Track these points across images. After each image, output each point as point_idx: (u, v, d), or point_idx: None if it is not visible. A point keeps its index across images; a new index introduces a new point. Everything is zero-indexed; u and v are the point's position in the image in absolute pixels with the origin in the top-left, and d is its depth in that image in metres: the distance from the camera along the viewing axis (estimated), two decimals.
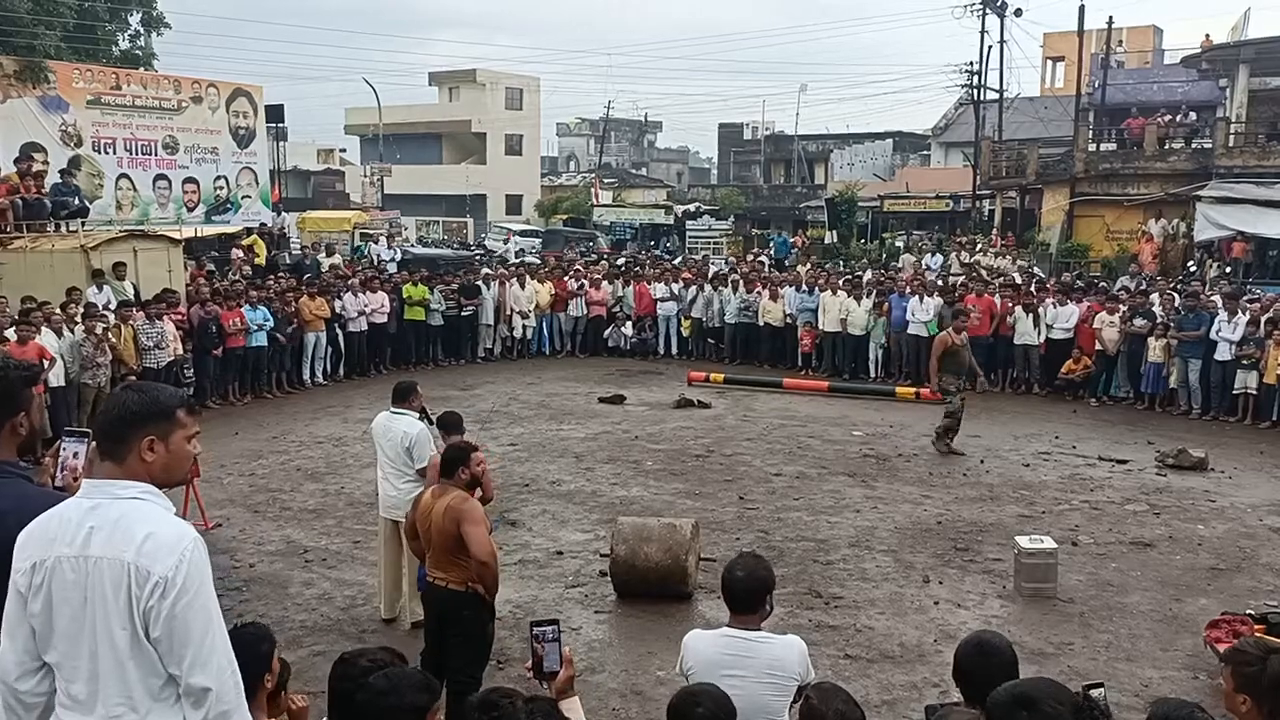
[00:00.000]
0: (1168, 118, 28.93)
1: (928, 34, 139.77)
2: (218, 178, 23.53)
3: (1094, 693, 3.18)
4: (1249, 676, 2.92)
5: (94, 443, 3.00)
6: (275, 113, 26.30)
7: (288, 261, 21.87)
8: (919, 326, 16.86)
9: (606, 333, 19.98)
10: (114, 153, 21.12)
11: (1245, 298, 15.78)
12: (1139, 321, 15.41)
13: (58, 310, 12.66)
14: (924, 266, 25.37)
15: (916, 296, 17.11)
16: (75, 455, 3.00)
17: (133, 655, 2.51)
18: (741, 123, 58.40)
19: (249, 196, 24.43)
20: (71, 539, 2.53)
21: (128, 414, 2.62)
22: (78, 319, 12.70)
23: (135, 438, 2.61)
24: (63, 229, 16.03)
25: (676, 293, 19.91)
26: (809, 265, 23.91)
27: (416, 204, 47.26)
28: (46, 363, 11.49)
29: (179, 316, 14.22)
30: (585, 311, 19.96)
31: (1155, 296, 16.60)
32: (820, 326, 17.95)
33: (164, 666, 2.53)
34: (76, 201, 17.01)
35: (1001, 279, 19.54)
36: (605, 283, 20.40)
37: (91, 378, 12.37)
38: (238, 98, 24.20)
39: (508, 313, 19.20)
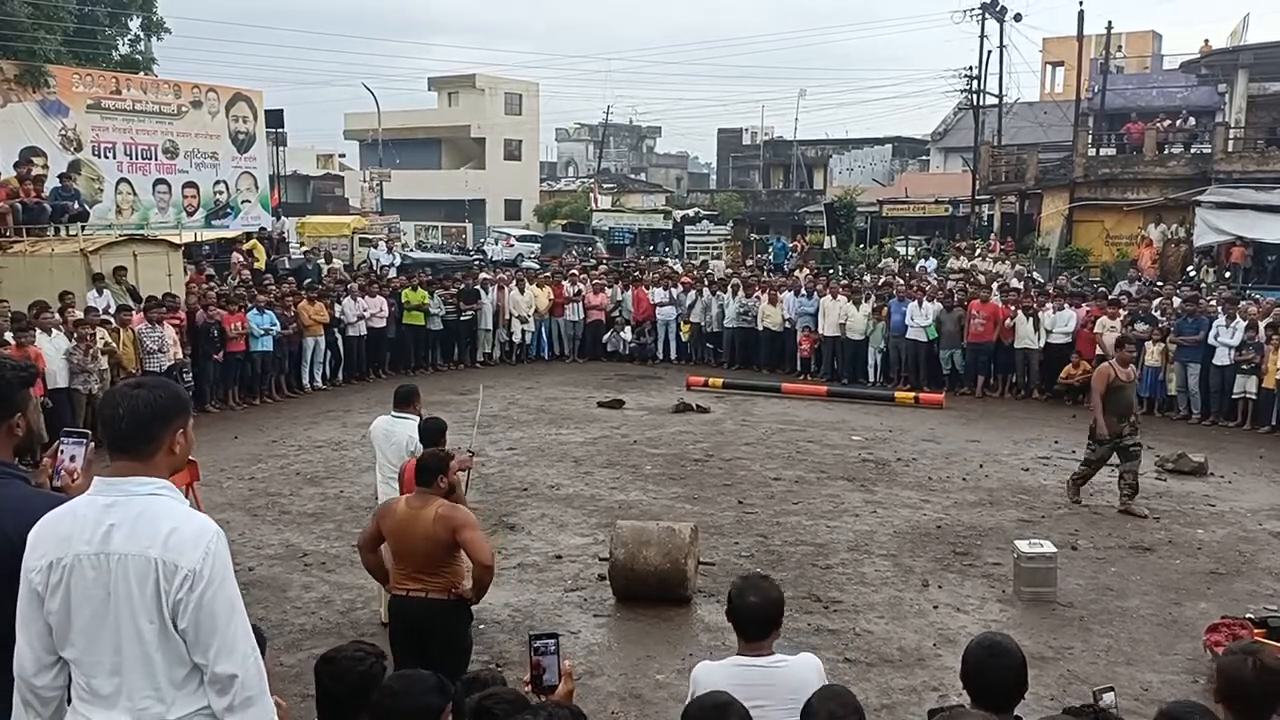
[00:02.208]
0: (1167, 123, 28.99)
1: (927, 39, 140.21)
2: (217, 182, 23.55)
3: (1105, 697, 3.19)
4: (1228, 676, 2.96)
5: (93, 443, 3.01)
6: (275, 118, 26.36)
7: (287, 266, 21.88)
8: (918, 331, 16.89)
9: (605, 337, 19.98)
10: (114, 157, 21.12)
11: (1243, 302, 15.79)
12: (1140, 326, 15.42)
13: (55, 314, 12.62)
14: (918, 268, 25.40)
15: (915, 301, 17.12)
16: (73, 457, 3.00)
17: (160, 648, 2.57)
18: (740, 128, 58.45)
19: (248, 201, 24.45)
20: (90, 537, 2.56)
21: (160, 411, 2.66)
22: (64, 324, 12.64)
23: (168, 433, 2.67)
24: (62, 233, 16.02)
25: (675, 297, 19.91)
26: (808, 270, 23.93)
27: (415, 209, 47.34)
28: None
29: (178, 321, 14.22)
30: (584, 316, 19.97)
31: (1155, 301, 16.60)
32: (819, 331, 17.97)
33: (190, 656, 2.58)
34: (76, 205, 16.98)
35: (998, 283, 19.55)
36: (605, 286, 20.42)
37: (82, 384, 12.34)
38: (237, 102, 24.22)
39: (506, 317, 19.20)
